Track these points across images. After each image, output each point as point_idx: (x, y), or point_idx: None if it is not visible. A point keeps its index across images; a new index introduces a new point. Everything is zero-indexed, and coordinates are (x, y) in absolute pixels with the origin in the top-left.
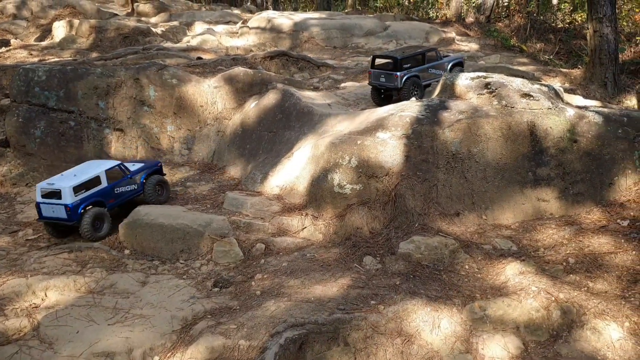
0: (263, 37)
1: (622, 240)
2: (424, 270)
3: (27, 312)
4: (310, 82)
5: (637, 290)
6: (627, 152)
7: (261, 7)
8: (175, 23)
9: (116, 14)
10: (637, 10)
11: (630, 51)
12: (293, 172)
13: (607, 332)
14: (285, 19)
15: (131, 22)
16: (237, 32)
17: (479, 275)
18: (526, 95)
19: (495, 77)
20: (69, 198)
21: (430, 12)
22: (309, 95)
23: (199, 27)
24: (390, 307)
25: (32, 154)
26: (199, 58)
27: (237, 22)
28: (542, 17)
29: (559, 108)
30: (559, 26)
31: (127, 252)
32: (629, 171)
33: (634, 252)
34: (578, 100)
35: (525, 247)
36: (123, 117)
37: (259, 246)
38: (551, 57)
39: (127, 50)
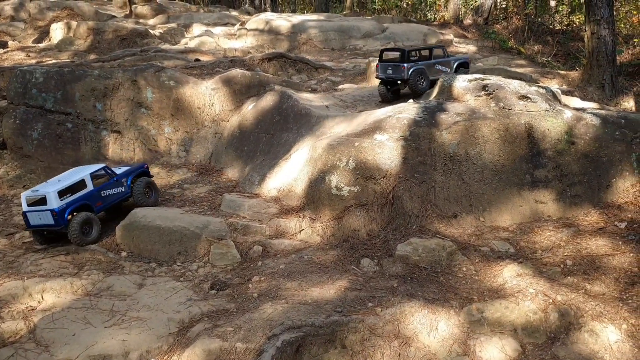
0: (261, 39)
1: (620, 242)
2: (422, 273)
3: (23, 314)
4: (308, 84)
5: (634, 292)
6: (625, 154)
7: (259, 9)
8: (173, 25)
9: (114, 16)
10: (634, 12)
11: (628, 53)
12: (291, 174)
13: (605, 335)
14: (283, 21)
15: (129, 24)
16: (235, 34)
17: (476, 278)
18: (524, 97)
19: (493, 79)
20: (54, 203)
21: (428, 14)
22: (306, 97)
23: (196, 29)
24: (387, 309)
25: (30, 156)
26: (197, 60)
27: (235, 24)
28: (539, 19)
29: (556, 110)
30: (557, 28)
31: (124, 254)
32: (627, 173)
33: (631, 254)
34: (576, 102)
35: (522, 249)
36: (120, 119)
37: (256, 248)
38: (549, 59)
39: (125, 52)
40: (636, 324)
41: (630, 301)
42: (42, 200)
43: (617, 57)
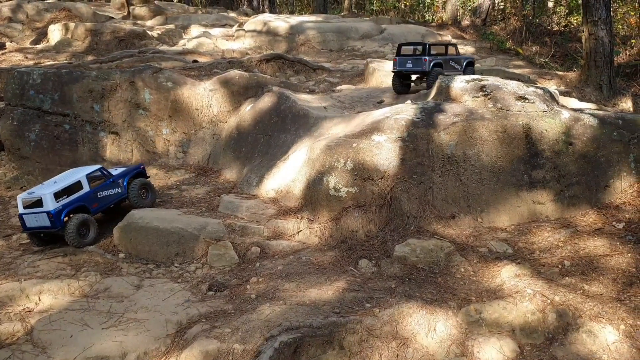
0: (259, 40)
1: (618, 243)
2: (420, 273)
3: (20, 316)
4: (306, 85)
5: (632, 292)
6: (622, 155)
7: (257, 10)
8: (171, 26)
9: (112, 17)
10: (632, 13)
11: (626, 54)
12: (289, 175)
13: (603, 335)
14: (281, 22)
15: (127, 26)
16: (233, 35)
17: (474, 278)
18: (521, 98)
19: (491, 80)
20: (50, 204)
21: (427, 15)
22: (304, 98)
23: (194, 30)
24: (385, 310)
25: (27, 158)
26: (195, 61)
27: (233, 25)
28: (537, 20)
29: (554, 111)
30: (555, 29)
31: (121, 255)
32: (624, 174)
33: (629, 254)
34: (573, 103)
35: (520, 250)
36: (118, 120)
37: (254, 249)
38: (547, 60)
39: (123, 54)
40: (634, 324)
41: (628, 301)
42: (38, 203)
43: (615, 58)
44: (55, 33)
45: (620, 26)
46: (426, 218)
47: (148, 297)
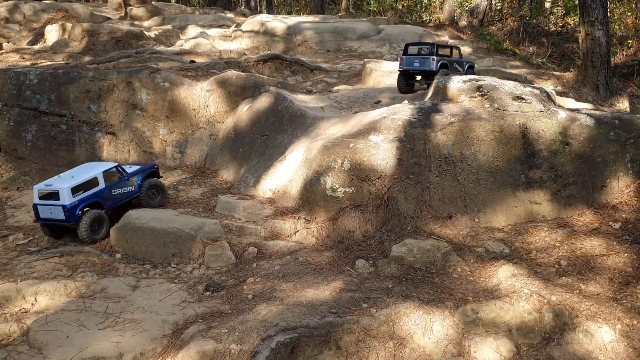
0: (256, 40)
1: (614, 243)
2: (417, 273)
3: (16, 317)
4: (303, 85)
5: (629, 292)
6: (619, 155)
7: (255, 11)
8: (169, 27)
9: (109, 18)
10: (629, 13)
11: (623, 54)
12: (286, 175)
13: (599, 335)
14: (278, 23)
15: (124, 26)
16: (231, 36)
17: (471, 278)
18: (518, 98)
19: (487, 80)
20: (67, 199)
21: (424, 16)
22: (301, 99)
23: (192, 30)
24: (382, 310)
25: (24, 158)
26: (192, 61)
27: (231, 26)
28: (534, 21)
29: (550, 111)
30: (552, 29)
31: (118, 256)
32: (621, 173)
33: (625, 254)
34: (570, 103)
35: (517, 250)
36: (115, 120)
37: (251, 250)
38: (544, 60)
39: (120, 54)
40: (630, 324)
41: (624, 301)
42: (55, 195)
43: (612, 58)
44: (52, 33)
45: (617, 26)
46: (423, 218)
47: (145, 297)
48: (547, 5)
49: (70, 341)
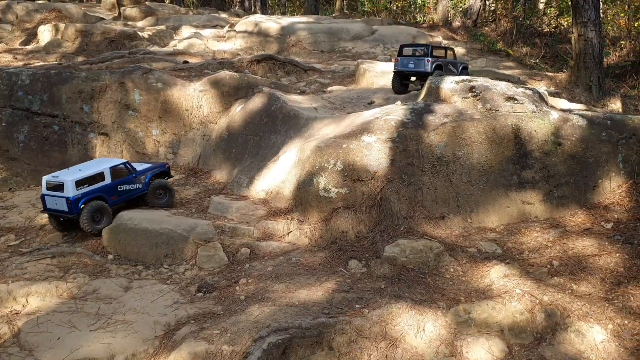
0: (250, 41)
1: (606, 243)
2: (409, 274)
3: (7, 318)
4: (296, 86)
5: (620, 292)
6: (611, 155)
7: (249, 11)
8: (162, 27)
9: (102, 18)
10: (622, 14)
11: (615, 55)
12: (279, 176)
13: (591, 335)
14: (272, 23)
15: (117, 26)
16: (225, 36)
17: (463, 279)
18: (510, 98)
19: (480, 81)
20: (70, 191)
21: (418, 17)
22: (295, 99)
23: (186, 31)
24: (374, 310)
25: (16, 159)
26: (186, 62)
27: (225, 26)
28: (528, 22)
29: (543, 111)
30: (545, 30)
31: (110, 257)
32: (613, 174)
33: (617, 254)
34: (563, 103)
35: (510, 250)
36: (108, 121)
37: (243, 251)
38: (537, 61)
39: (113, 54)
40: (622, 324)
41: (616, 301)
42: (60, 187)
43: (605, 59)
44: (45, 34)
45: (610, 27)
46: (416, 218)
47: (137, 298)
48: (541, 6)
49: (62, 343)
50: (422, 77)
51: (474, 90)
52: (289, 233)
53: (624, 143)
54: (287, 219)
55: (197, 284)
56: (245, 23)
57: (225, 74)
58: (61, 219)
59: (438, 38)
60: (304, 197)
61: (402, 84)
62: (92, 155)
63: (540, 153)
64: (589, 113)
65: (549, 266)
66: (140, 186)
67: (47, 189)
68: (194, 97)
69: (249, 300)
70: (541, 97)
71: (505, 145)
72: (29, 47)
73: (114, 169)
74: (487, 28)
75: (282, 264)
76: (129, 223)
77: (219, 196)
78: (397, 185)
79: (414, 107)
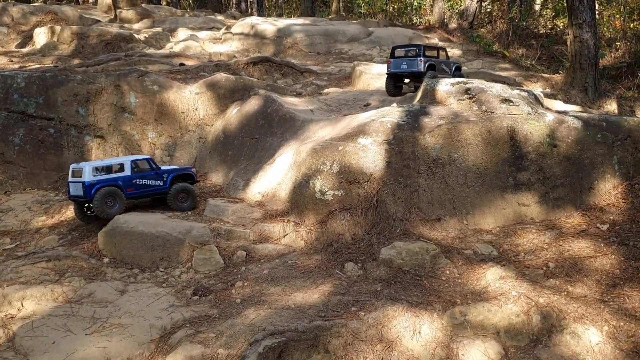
0: (247, 43)
1: (602, 244)
2: (405, 276)
3: (2, 322)
4: (293, 88)
5: (616, 294)
6: (606, 157)
7: (245, 13)
8: (158, 29)
9: (98, 21)
10: (617, 16)
11: (611, 56)
12: (275, 178)
13: (587, 337)
14: (269, 25)
15: (114, 29)
16: (221, 38)
17: (459, 281)
18: (506, 100)
19: (475, 83)
20: (87, 176)
21: (414, 18)
22: (291, 101)
23: (182, 33)
24: (371, 313)
25: (11, 162)
26: (182, 64)
27: (221, 28)
28: (524, 23)
29: (538, 113)
30: (541, 32)
31: (106, 260)
32: (609, 175)
33: (613, 256)
34: (558, 105)
35: (505, 252)
36: (104, 124)
37: (239, 253)
38: (533, 62)
39: (109, 57)
40: (617, 326)
41: (611, 303)
42: (80, 173)
43: (600, 61)
44: (41, 36)
45: (605, 29)
46: (412, 221)
47: (132, 302)
48: (537, 7)
49: (57, 347)
50: (416, 77)
51: (469, 92)
52: (285, 236)
53: (620, 144)
54: (283, 221)
55: (193, 287)
56: (242, 25)
57: (221, 76)
58: (86, 210)
59: (434, 40)
60: (300, 199)
61: (395, 86)
62: (87, 158)
63: (535, 155)
64: (585, 115)
65: (544, 268)
66: (161, 184)
67: (71, 175)
68: (190, 100)
69: (244, 303)
70: (537, 99)
71: (500, 147)
72: (24, 50)
73: (135, 163)
74: (483, 30)
75: (278, 267)
76: (125, 226)
77: (215, 199)
78: (393, 187)
79: (410, 109)
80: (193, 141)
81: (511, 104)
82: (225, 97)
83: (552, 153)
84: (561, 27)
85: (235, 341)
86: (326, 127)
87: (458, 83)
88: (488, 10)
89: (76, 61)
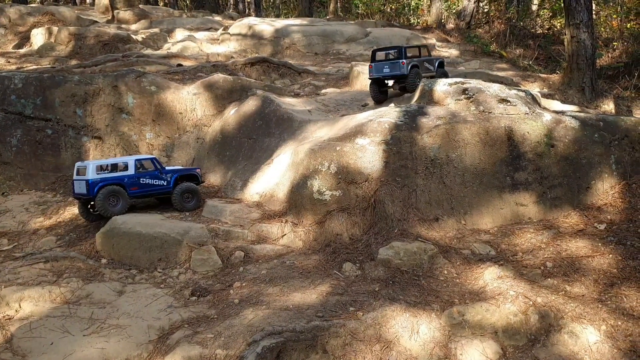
0: (244, 43)
1: (599, 244)
2: (403, 276)
3: (0, 323)
4: (290, 88)
5: (613, 293)
6: (604, 156)
7: (243, 14)
8: (156, 30)
9: (96, 21)
10: (614, 16)
11: (608, 56)
12: (273, 178)
13: (584, 336)
14: (266, 26)
15: (111, 30)
16: (218, 39)
17: (457, 280)
18: (503, 100)
19: (473, 83)
20: (90, 174)
21: (412, 19)
22: (289, 102)
23: (179, 34)
24: (369, 313)
25: (8, 163)
26: (179, 65)
27: (219, 29)
28: (521, 23)
29: (536, 113)
30: (538, 32)
31: (104, 261)
32: (606, 175)
33: (610, 255)
34: (556, 105)
35: (503, 252)
36: (101, 124)
37: (238, 254)
38: (530, 62)
39: (107, 58)
40: (615, 325)
41: (609, 302)
42: (83, 170)
43: (597, 61)
44: (38, 37)
45: (602, 29)
46: (410, 221)
47: (130, 302)
48: (534, 7)
49: (55, 348)
50: (400, 80)
51: (467, 92)
52: (283, 236)
53: (617, 144)
54: (281, 222)
55: (191, 287)
56: (239, 26)
57: (219, 76)
58: (89, 207)
59: (432, 40)
60: (298, 200)
61: (380, 91)
62: (85, 159)
63: (533, 155)
64: (582, 114)
65: (542, 267)
66: (165, 183)
67: (76, 173)
68: (188, 100)
69: (243, 303)
70: (534, 99)
71: (498, 147)
72: (22, 51)
73: (139, 162)
74: (480, 30)
75: (276, 267)
76: (123, 227)
77: (213, 199)
78: (391, 187)
79: (408, 109)
80: (191, 142)
81: (509, 104)
82: (223, 97)
83: (549, 153)
84: (558, 27)
85: (234, 341)
86: (324, 128)
87: (455, 83)
88: (485, 10)
89: (73, 62)
